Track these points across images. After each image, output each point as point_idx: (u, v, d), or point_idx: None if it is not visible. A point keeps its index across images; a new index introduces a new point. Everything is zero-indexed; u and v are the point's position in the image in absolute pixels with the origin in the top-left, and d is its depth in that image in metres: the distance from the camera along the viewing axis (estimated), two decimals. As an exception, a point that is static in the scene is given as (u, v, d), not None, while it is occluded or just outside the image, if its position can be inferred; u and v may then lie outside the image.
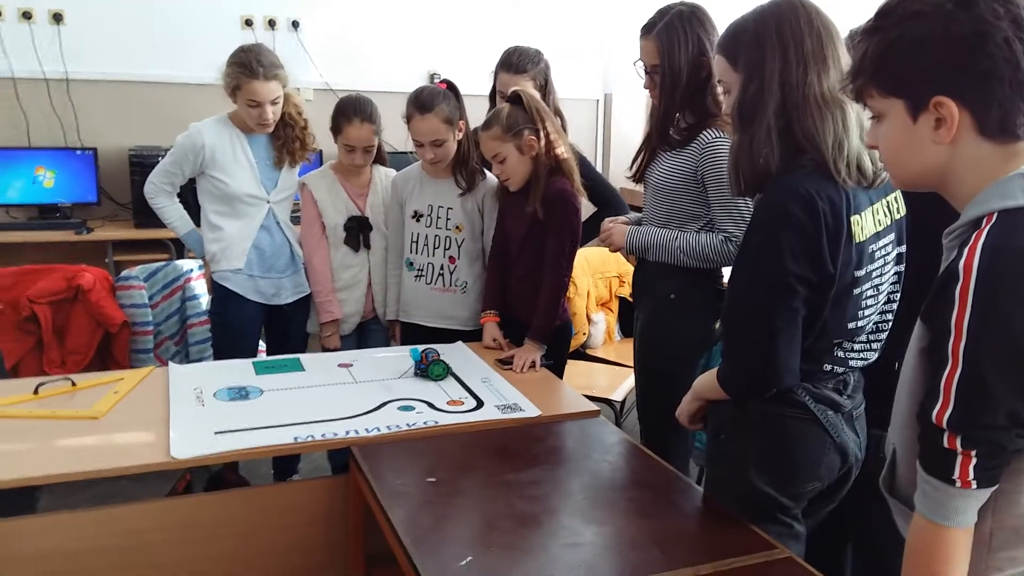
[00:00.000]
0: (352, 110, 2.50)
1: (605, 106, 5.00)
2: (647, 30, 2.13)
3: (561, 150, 2.28)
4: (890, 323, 1.54)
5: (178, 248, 3.71)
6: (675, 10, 2.10)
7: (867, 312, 1.46)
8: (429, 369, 2.09)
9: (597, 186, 2.74)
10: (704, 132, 2.06)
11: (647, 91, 2.19)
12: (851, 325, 1.45)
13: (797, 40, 1.39)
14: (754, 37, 1.42)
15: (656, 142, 2.17)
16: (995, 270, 0.94)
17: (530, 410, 1.92)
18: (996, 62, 0.97)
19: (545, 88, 2.56)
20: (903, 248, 1.53)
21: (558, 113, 2.47)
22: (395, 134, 3.26)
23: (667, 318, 2.17)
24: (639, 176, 2.24)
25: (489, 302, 2.45)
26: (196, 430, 1.75)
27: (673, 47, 2.06)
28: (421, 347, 2.17)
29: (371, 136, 2.53)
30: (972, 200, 1.02)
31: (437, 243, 2.50)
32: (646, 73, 2.15)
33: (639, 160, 2.22)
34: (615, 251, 2.25)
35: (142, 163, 3.69)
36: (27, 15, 3.80)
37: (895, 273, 1.52)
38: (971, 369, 0.95)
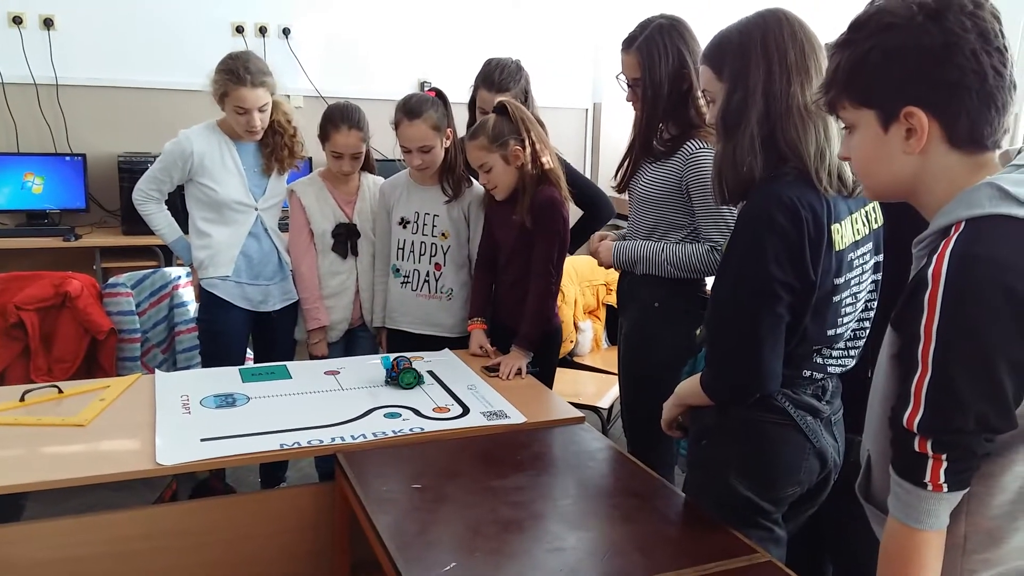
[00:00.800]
0: (340, 117, 2.52)
1: (594, 115, 5.03)
2: (628, 44, 2.15)
3: (547, 159, 2.30)
4: (867, 330, 1.56)
5: (166, 255, 3.70)
6: (655, 23, 2.12)
7: (846, 319, 1.48)
8: (400, 377, 2.09)
9: (582, 189, 2.75)
10: (687, 143, 2.08)
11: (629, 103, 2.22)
12: (830, 332, 1.47)
13: (781, 51, 1.41)
14: (739, 48, 1.44)
15: (639, 154, 2.20)
16: (963, 277, 0.96)
17: (515, 417, 1.93)
18: (965, 73, 0.99)
19: (525, 101, 2.58)
20: (880, 257, 1.55)
21: (540, 122, 2.49)
22: (384, 141, 3.27)
23: (651, 326, 2.19)
24: (623, 186, 2.26)
25: (476, 310, 2.47)
26: (182, 437, 1.75)
27: (653, 61, 2.09)
28: (393, 355, 2.17)
29: (359, 143, 2.54)
30: (941, 209, 1.05)
31: (423, 250, 2.51)
32: (628, 86, 2.17)
33: (622, 170, 2.24)
34: (608, 268, 2.27)
35: (131, 169, 3.69)
36: (17, 20, 3.80)
37: (872, 281, 1.54)
38: (940, 374, 0.97)
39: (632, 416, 2.31)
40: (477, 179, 2.47)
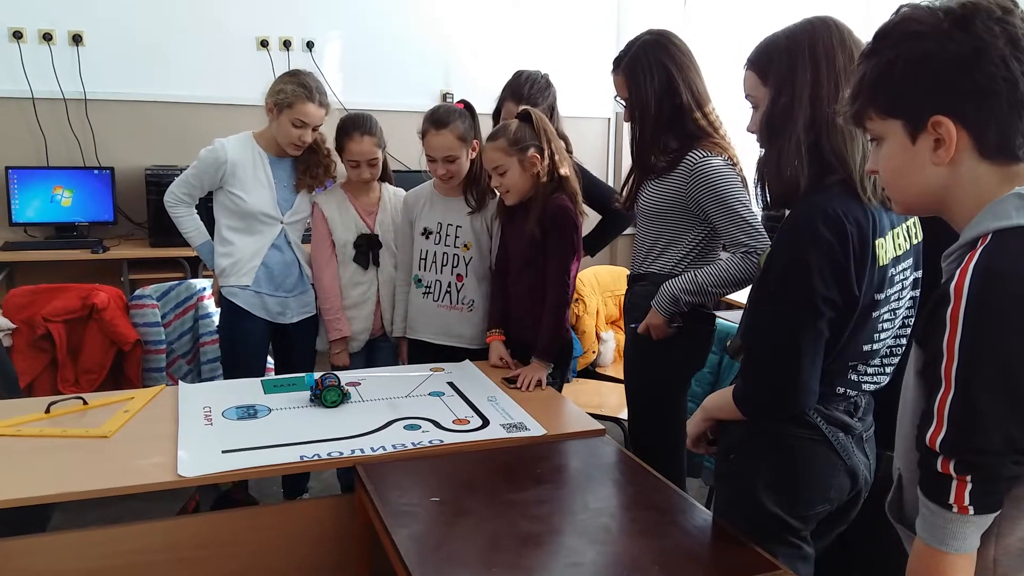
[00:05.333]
0: (351, 125, 2.54)
1: (617, 125, 5.01)
2: (615, 65, 2.16)
3: (565, 170, 2.29)
4: (903, 347, 1.52)
5: (192, 267, 3.74)
6: (640, 41, 2.12)
7: (883, 336, 1.45)
8: (323, 395, 2.03)
9: (601, 194, 2.75)
10: (689, 155, 2.06)
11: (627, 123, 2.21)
12: (866, 348, 1.43)
13: (829, 57, 1.38)
14: (786, 52, 1.41)
15: (638, 172, 2.18)
16: (986, 293, 0.93)
17: (535, 429, 1.92)
18: (994, 80, 0.96)
19: (551, 117, 2.57)
20: (919, 273, 1.51)
21: (563, 137, 2.48)
22: (408, 153, 3.29)
23: (651, 341, 2.16)
24: (629, 205, 2.25)
25: (495, 321, 2.46)
26: (203, 449, 1.76)
27: (637, 80, 2.09)
28: (318, 373, 2.12)
29: (373, 149, 2.55)
30: (970, 222, 1.02)
31: (445, 260, 2.51)
32: (624, 107, 2.17)
33: (627, 189, 2.23)
34: (667, 331, 2.14)
35: (158, 182, 3.74)
36: (48, 36, 3.87)
37: (911, 298, 1.50)
38: (963, 392, 0.94)
39: (638, 429, 2.29)
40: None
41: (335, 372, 2.13)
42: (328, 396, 2.03)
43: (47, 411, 1.95)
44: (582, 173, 2.53)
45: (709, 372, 2.61)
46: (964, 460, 0.95)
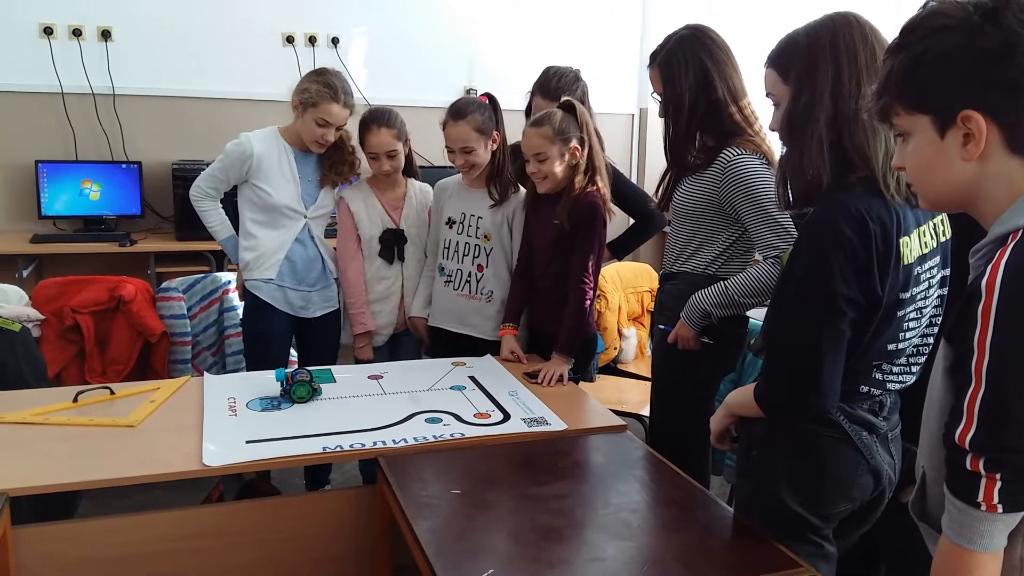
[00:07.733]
0: (370, 118, 2.57)
1: (640, 121, 4.99)
2: (652, 59, 2.13)
3: (600, 164, 2.29)
4: (930, 346, 1.50)
5: (218, 260, 3.78)
6: (677, 35, 2.08)
7: (908, 335, 1.43)
8: (292, 391, 2.01)
9: (635, 199, 2.73)
10: (723, 152, 2.02)
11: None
12: (891, 347, 1.41)
13: (851, 53, 1.36)
14: (807, 49, 1.40)
15: (674, 170, 2.16)
16: (1018, 289, 0.92)
17: (556, 424, 1.92)
18: None
19: None
20: (947, 271, 1.49)
21: (596, 133, 2.47)
22: (432, 148, 3.29)
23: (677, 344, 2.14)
24: (664, 204, 2.22)
25: (510, 315, 2.46)
26: (228, 439, 1.78)
27: (672, 74, 2.05)
28: (288, 369, 2.10)
29: (392, 141, 2.56)
30: (999, 218, 1.01)
31: (467, 250, 2.52)
32: (659, 102, 2.14)
33: (663, 187, 2.21)
34: (696, 344, 2.11)
35: (185, 177, 3.77)
36: (77, 32, 3.93)
37: (938, 296, 1.48)
38: (994, 389, 0.93)
39: (660, 428, 2.27)
40: (524, 185, 2.46)
41: (307, 368, 2.12)
42: (297, 391, 2.02)
43: (75, 400, 1.98)
44: (615, 174, 2.52)
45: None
46: (994, 458, 0.94)
